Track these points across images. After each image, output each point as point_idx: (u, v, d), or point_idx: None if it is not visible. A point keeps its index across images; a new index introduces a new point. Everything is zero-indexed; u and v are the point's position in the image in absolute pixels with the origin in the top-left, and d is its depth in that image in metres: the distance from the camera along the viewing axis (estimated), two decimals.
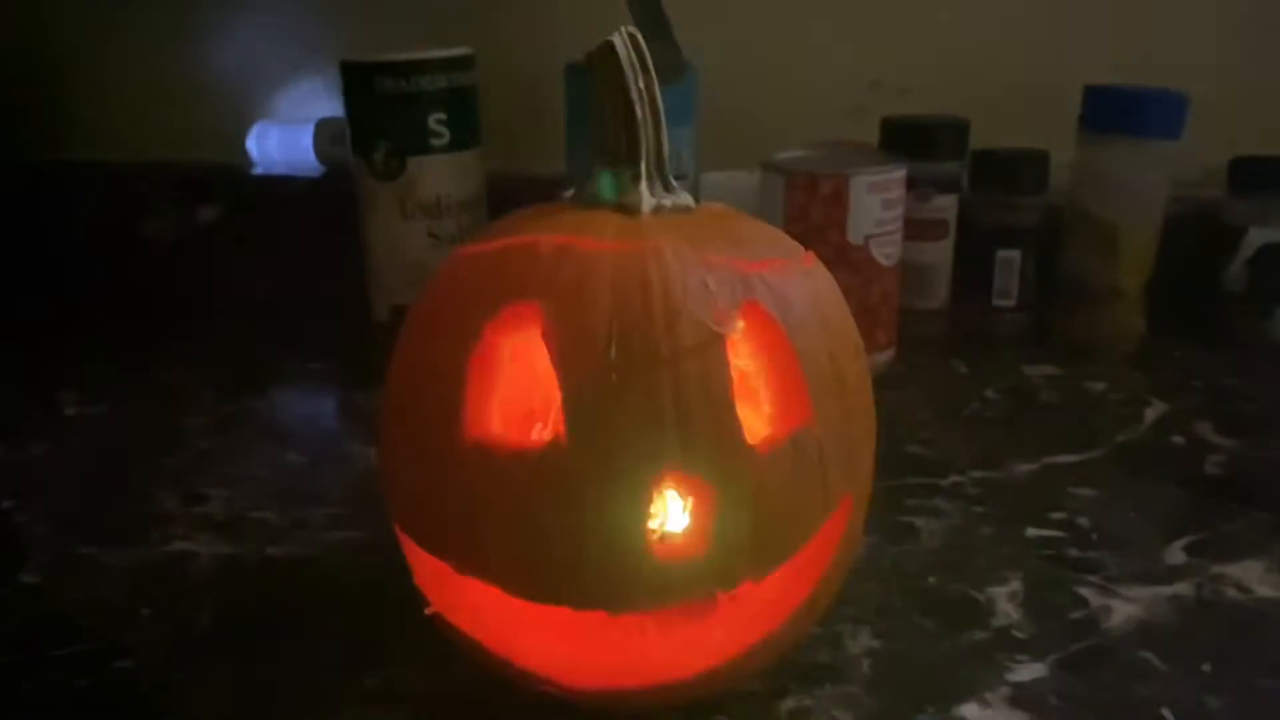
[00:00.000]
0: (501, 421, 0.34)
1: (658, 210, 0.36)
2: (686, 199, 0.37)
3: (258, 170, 0.92)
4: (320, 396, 0.69)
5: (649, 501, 0.32)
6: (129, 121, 0.95)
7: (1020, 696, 0.39)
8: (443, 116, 0.69)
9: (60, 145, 0.96)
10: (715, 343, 0.32)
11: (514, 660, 0.35)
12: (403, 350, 0.36)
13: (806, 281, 0.36)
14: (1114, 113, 0.70)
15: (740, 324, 0.33)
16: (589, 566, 0.32)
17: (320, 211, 0.84)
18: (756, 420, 0.34)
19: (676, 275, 0.33)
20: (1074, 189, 0.73)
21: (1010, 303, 0.74)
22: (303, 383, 0.70)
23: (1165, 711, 0.38)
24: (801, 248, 0.38)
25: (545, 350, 0.32)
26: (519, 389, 0.34)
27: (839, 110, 0.82)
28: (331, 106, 0.85)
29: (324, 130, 0.88)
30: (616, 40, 0.35)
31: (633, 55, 0.36)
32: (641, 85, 0.36)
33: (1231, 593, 0.45)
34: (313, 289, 0.83)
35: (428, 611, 0.36)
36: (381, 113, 0.68)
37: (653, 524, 0.32)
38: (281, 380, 0.70)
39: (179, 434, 0.62)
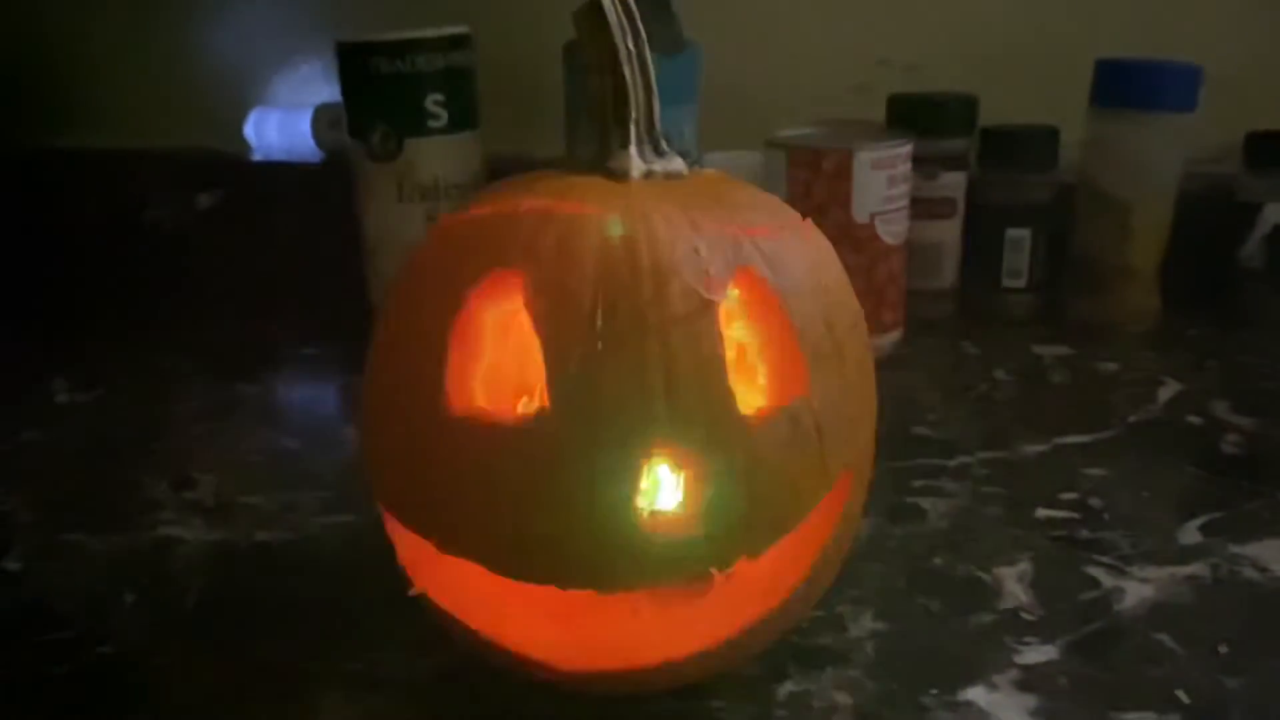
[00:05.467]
0: (486, 394, 0.32)
1: (648, 175, 0.35)
2: (678, 164, 0.36)
3: (256, 156, 0.91)
4: (315, 381, 0.68)
5: (638, 475, 0.30)
6: (127, 108, 0.94)
7: (1029, 679, 0.37)
8: (440, 97, 0.67)
9: (58, 132, 0.95)
10: (706, 310, 0.31)
11: (501, 642, 0.34)
12: (384, 322, 0.35)
13: (803, 248, 0.34)
14: (1126, 86, 0.69)
15: (733, 291, 0.32)
16: (576, 543, 0.31)
17: (319, 197, 0.83)
18: (750, 391, 0.33)
19: (665, 240, 0.31)
20: (1085, 165, 0.71)
21: (1020, 282, 0.73)
22: (298, 368, 0.69)
23: (1180, 693, 0.36)
24: (798, 215, 0.36)
25: (529, 319, 0.31)
26: (504, 360, 0.33)
27: (845, 88, 0.80)
28: (330, 91, 0.84)
29: (323, 115, 0.87)
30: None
31: (621, 15, 0.34)
32: (630, 45, 0.34)
33: (1249, 573, 0.43)
34: (310, 274, 0.82)
35: (412, 593, 0.35)
36: (378, 94, 0.67)
37: (642, 499, 0.31)
38: (277, 365, 0.69)
39: (171, 420, 0.61)
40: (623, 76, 0.34)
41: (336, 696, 0.37)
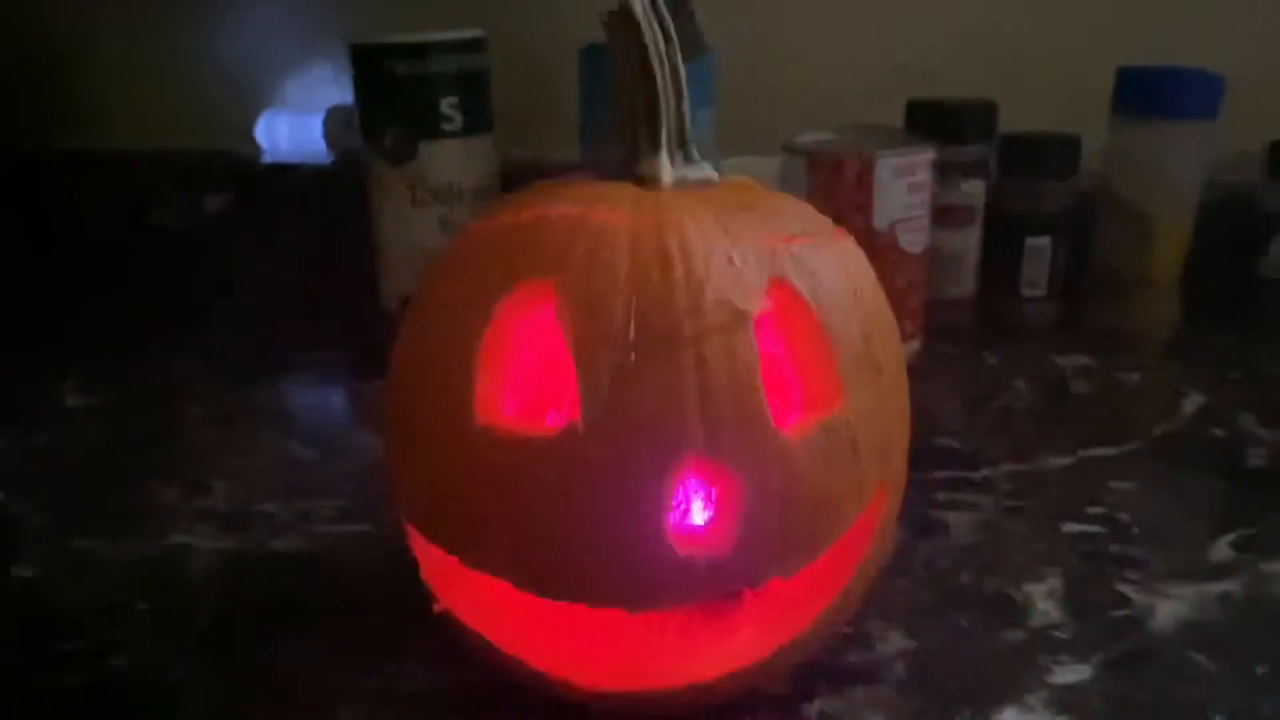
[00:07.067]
0: (514, 407, 0.32)
1: (679, 182, 0.34)
2: (710, 171, 0.35)
3: (267, 158, 0.90)
4: (328, 387, 0.67)
5: (670, 491, 0.30)
6: (137, 110, 0.94)
7: (1062, 699, 0.36)
8: (454, 100, 0.67)
9: (68, 134, 0.95)
10: (741, 322, 0.30)
11: (526, 660, 0.33)
12: (409, 332, 0.34)
13: (838, 257, 0.34)
14: (1148, 94, 0.68)
15: (767, 302, 0.31)
16: (606, 561, 0.30)
17: (330, 200, 0.82)
18: (785, 405, 0.32)
19: (699, 250, 0.31)
20: (1106, 174, 0.71)
21: (1040, 291, 0.72)
22: (310, 373, 0.68)
23: (1217, 716, 0.36)
24: (832, 223, 0.36)
25: (559, 331, 0.30)
26: (533, 372, 0.32)
27: (863, 93, 0.79)
28: (342, 93, 0.83)
29: (334, 117, 0.87)
30: (635, 2, 0.33)
31: (652, 19, 0.34)
32: (662, 49, 0.34)
33: None
34: (322, 278, 0.82)
35: (436, 609, 0.34)
36: (391, 96, 0.66)
37: (674, 516, 0.30)
38: (289, 371, 0.68)
39: (182, 425, 0.60)
40: (654, 82, 0.34)
41: (355, 712, 0.36)
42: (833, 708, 0.36)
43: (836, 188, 0.62)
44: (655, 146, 0.34)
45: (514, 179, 0.64)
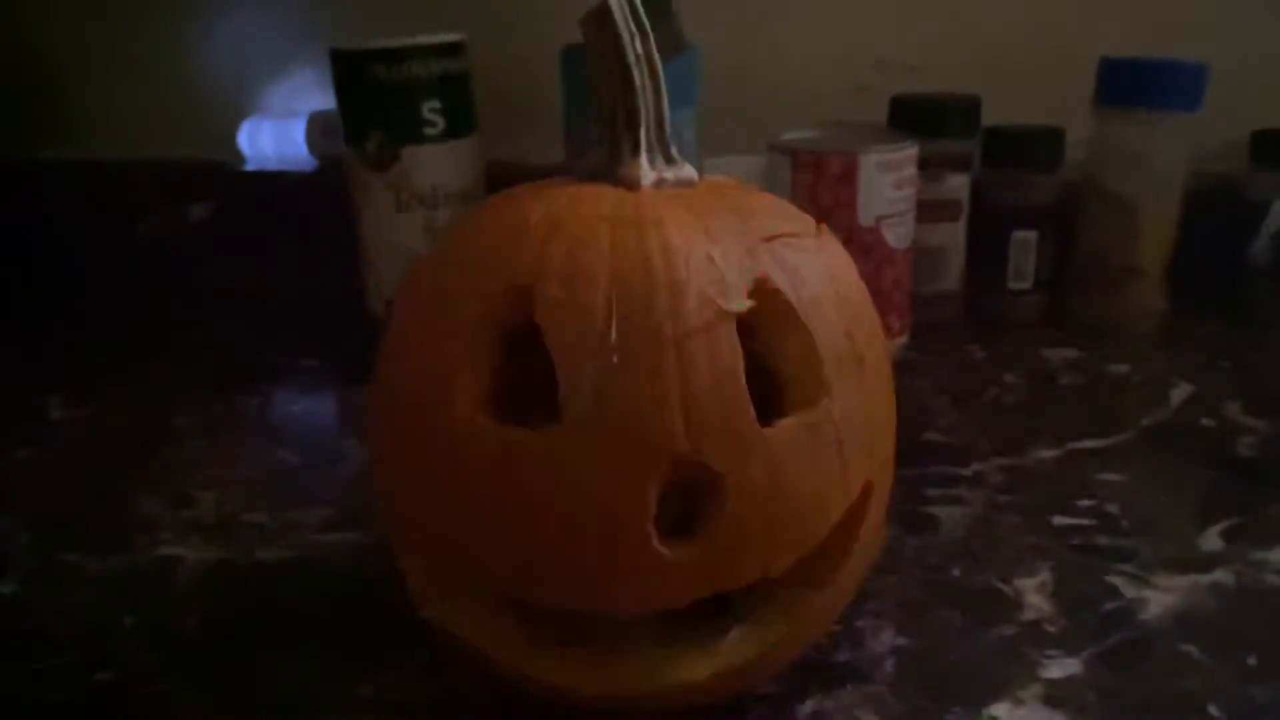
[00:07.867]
0: (496, 408, 0.31)
1: (659, 183, 0.34)
2: (690, 171, 0.35)
3: (250, 165, 0.90)
4: (314, 394, 0.66)
5: (655, 493, 0.29)
6: (119, 118, 0.93)
7: (1055, 694, 0.36)
8: (436, 104, 0.66)
9: (50, 142, 0.94)
10: (723, 321, 0.30)
11: (512, 664, 0.33)
12: (391, 337, 0.34)
13: (819, 255, 0.34)
14: (1131, 85, 0.68)
15: (749, 301, 0.31)
16: (591, 563, 0.30)
17: (314, 206, 0.82)
18: (769, 404, 0.32)
19: (680, 250, 0.31)
20: (1090, 165, 0.71)
21: (1026, 284, 0.72)
22: (297, 380, 0.68)
23: (1211, 707, 0.36)
24: (813, 220, 0.35)
25: (540, 332, 0.30)
26: (514, 374, 0.32)
27: (845, 90, 0.79)
28: (324, 99, 0.83)
29: (317, 123, 0.86)
30: (612, 2, 0.33)
31: (629, 19, 0.33)
32: (640, 49, 0.33)
33: (1273, 579, 0.43)
34: (307, 284, 0.81)
35: (423, 615, 0.34)
36: (373, 101, 0.66)
37: (659, 517, 0.30)
38: (275, 378, 0.68)
39: (168, 435, 0.60)
40: (632, 83, 0.34)
41: None
42: (825, 706, 0.36)
43: (821, 185, 0.61)
44: (635, 148, 0.34)
45: (497, 182, 0.64)
